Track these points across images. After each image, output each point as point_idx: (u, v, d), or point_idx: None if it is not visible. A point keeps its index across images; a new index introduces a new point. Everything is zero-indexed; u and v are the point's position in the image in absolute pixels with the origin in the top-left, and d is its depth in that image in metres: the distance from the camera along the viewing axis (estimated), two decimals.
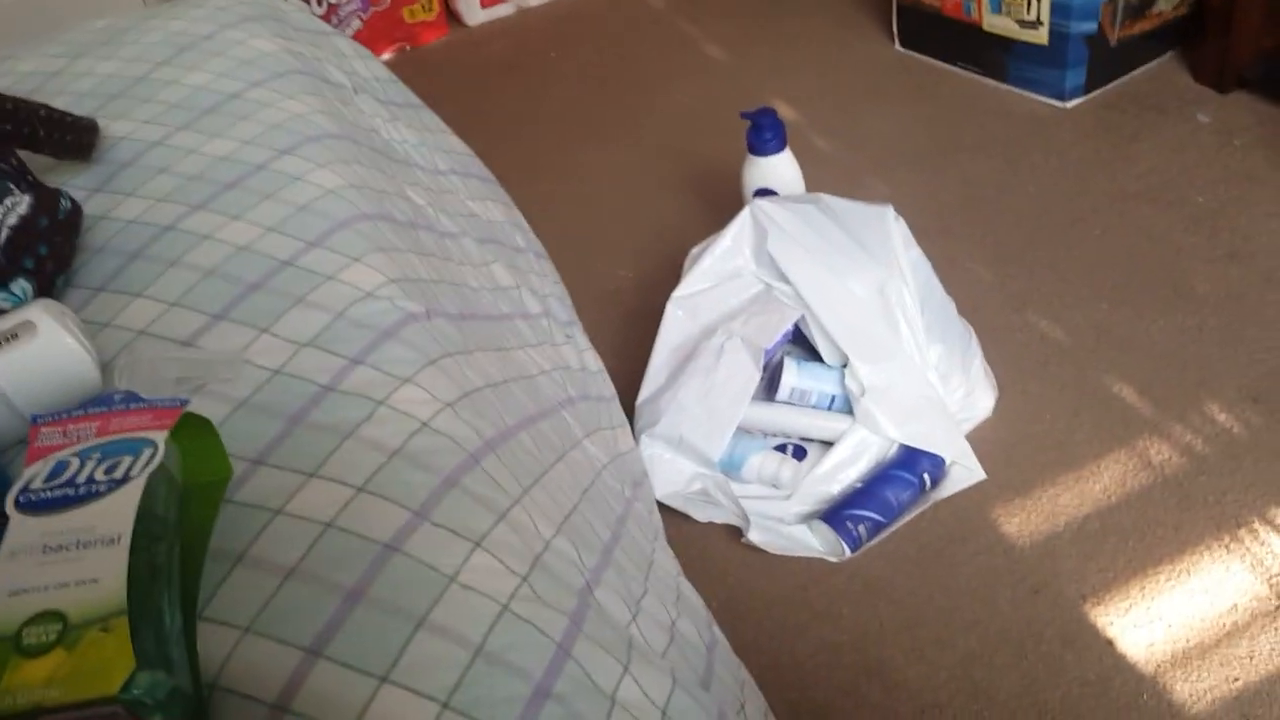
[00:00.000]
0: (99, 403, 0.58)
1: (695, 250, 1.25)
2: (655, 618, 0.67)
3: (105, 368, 0.64)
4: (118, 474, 0.52)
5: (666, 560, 0.80)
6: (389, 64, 1.23)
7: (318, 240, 0.72)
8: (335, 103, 0.92)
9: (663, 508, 1.13)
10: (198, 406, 0.59)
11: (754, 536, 1.10)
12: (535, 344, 0.90)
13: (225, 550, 0.54)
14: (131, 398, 0.58)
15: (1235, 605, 0.98)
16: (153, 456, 0.53)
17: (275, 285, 0.69)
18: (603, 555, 0.66)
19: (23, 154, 0.76)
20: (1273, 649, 0.94)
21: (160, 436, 0.54)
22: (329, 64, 0.99)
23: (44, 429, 0.55)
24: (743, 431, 1.19)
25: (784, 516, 1.14)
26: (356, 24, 2.17)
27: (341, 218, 0.74)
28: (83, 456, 0.54)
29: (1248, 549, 1.02)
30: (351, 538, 0.54)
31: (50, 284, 0.70)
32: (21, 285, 0.66)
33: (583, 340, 1.10)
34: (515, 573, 0.55)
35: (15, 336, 0.59)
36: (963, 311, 1.24)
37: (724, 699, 0.66)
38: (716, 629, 0.80)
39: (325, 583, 0.52)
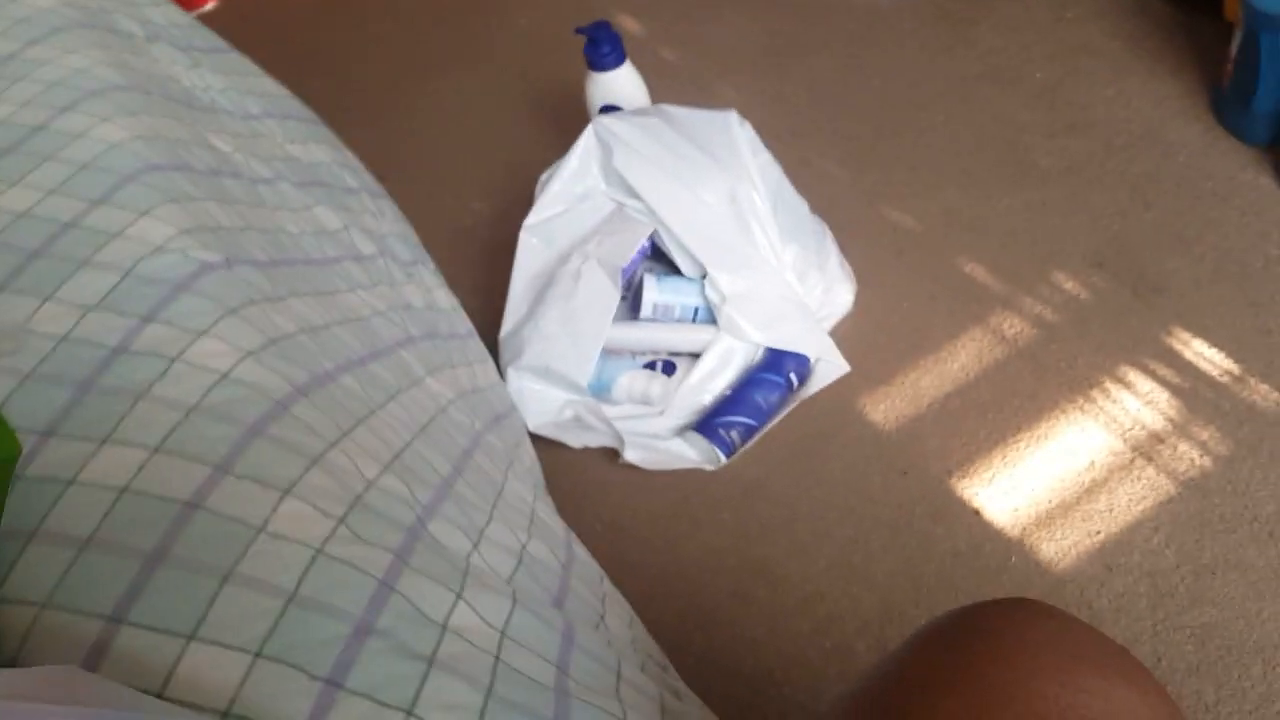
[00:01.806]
0: None
1: (544, 175, 1.22)
2: (502, 543, 0.66)
3: None
4: None
5: (520, 488, 0.79)
6: (210, 15, 1.16)
7: (103, 197, 0.68)
8: (123, 53, 0.86)
9: (537, 438, 1.13)
10: None
11: (631, 455, 1.10)
12: (369, 285, 0.87)
13: (17, 529, 0.51)
14: None
15: (1093, 462, 1.01)
16: None
17: (58, 249, 0.65)
18: (440, 489, 0.65)
19: None
20: (1130, 500, 0.98)
21: None
22: (118, 14, 0.93)
23: None
24: (610, 353, 1.19)
25: (658, 432, 1.14)
26: None
27: (127, 171, 0.70)
28: None
29: (1101, 408, 1.05)
30: (149, 500, 0.51)
31: None
32: None
33: (431, 278, 1.07)
34: (331, 515, 0.54)
35: None
36: (816, 209, 1.25)
37: (578, 613, 0.66)
38: (577, 547, 0.80)
39: (123, 548, 0.50)
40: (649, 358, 1.21)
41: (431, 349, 0.89)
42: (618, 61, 1.29)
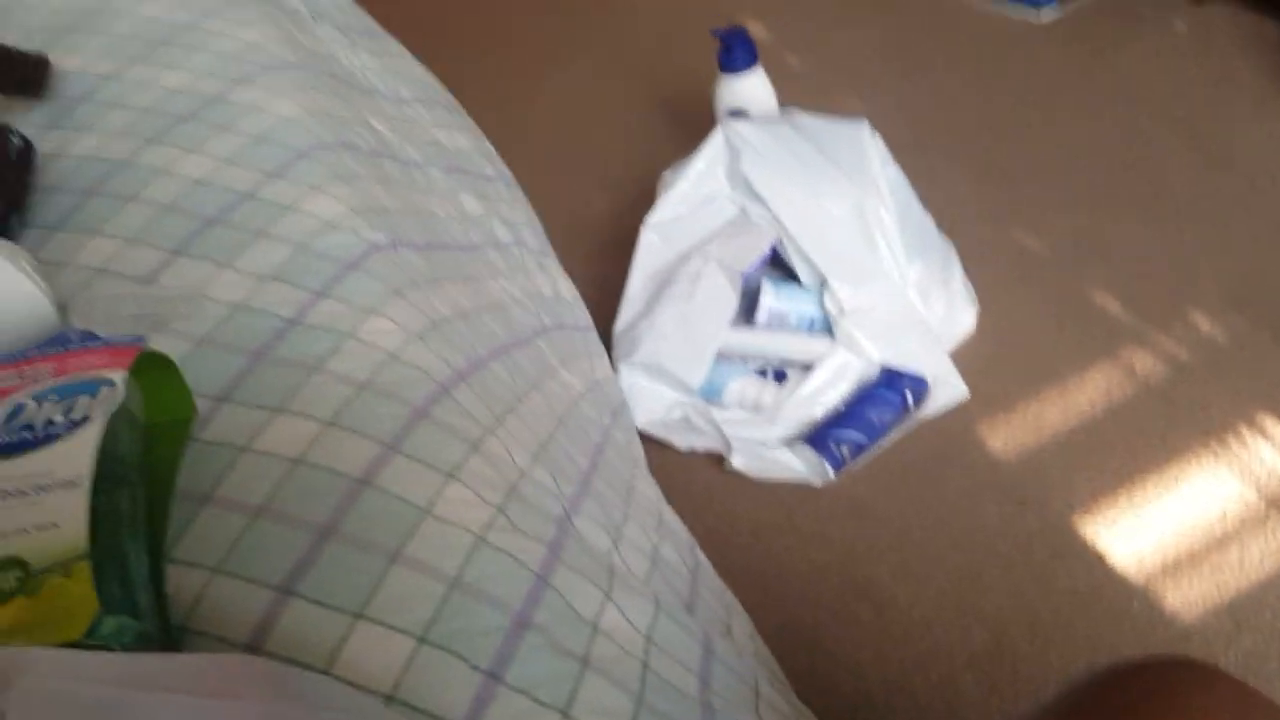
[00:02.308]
0: (55, 342, 0.56)
1: (668, 174, 1.22)
2: (637, 544, 0.66)
3: (62, 308, 0.62)
4: (76, 414, 0.50)
5: (647, 487, 0.79)
6: None
7: (277, 171, 0.70)
8: (292, 30, 0.88)
9: (644, 437, 1.13)
10: (157, 345, 0.57)
11: (737, 462, 1.09)
12: (507, 273, 0.88)
13: (192, 491, 0.53)
14: (88, 336, 0.56)
15: (1224, 513, 0.98)
16: (112, 396, 0.51)
17: (234, 219, 0.66)
18: (581, 484, 0.65)
19: None
20: (1263, 555, 0.94)
21: (119, 375, 0.52)
22: None
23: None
24: (722, 357, 1.18)
25: (767, 441, 1.13)
26: None
27: (301, 147, 0.72)
28: (40, 399, 0.52)
29: (1235, 456, 1.02)
30: (321, 473, 0.52)
31: (3, 224, 0.67)
32: None
33: (556, 268, 1.08)
34: (490, 503, 0.54)
35: None
36: (941, 227, 1.22)
37: (709, 622, 0.65)
38: (700, 553, 0.79)
39: (295, 520, 0.51)
40: (761, 364, 1.20)
41: (562, 339, 0.89)
42: (750, 66, 1.28)
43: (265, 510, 0.51)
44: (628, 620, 0.54)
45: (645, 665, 0.52)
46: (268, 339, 0.59)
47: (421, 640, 0.47)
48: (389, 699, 0.45)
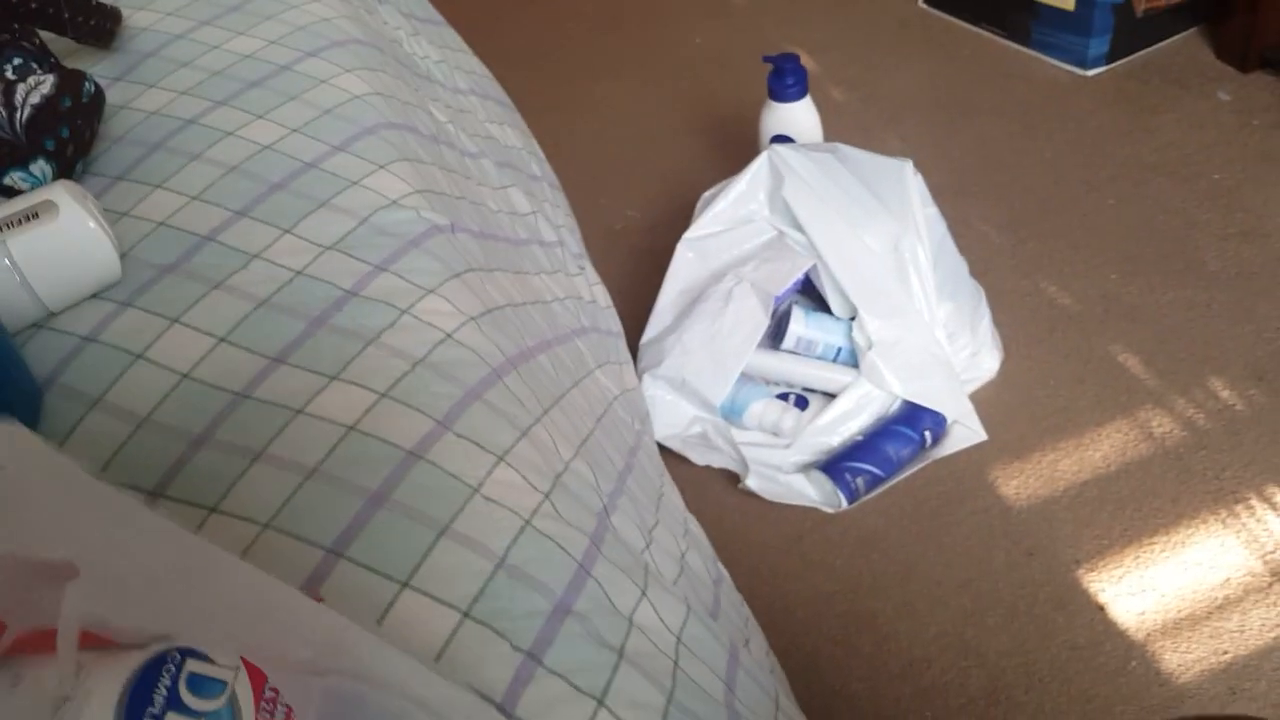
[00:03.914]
0: None
1: (709, 193, 1.23)
2: (666, 548, 0.66)
3: (124, 257, 0.62)
4: None
5: (674, 494, 0.79)
6: None
7: (343, 145, 0.70)
8: (360, 9, 0.89)
9: (661, 449, 1.13)
10: (217, 301, 0.57)
11: (752, 483, 1.09)
12: (550, 271, 0.88)
13: (244, 446, 0.53)
14: None
15: (1228, 580, 0.98)
16: None
17: (299, 187, 0.67)
18: (618, 482, 0.66)
19: (44, 35, 0.73)
20: (1263, 624, 0.95)
21: None
22: None
23: None
24: (746, 378, 1.19)
25: (782, 465, 1.14)
26: None
27: (368, 124, 0.72)
28: None
29: (1244, 525, 1.02)
30: (374, 442, 0.53)
31: (70, 167, 0.68)
32: (41, 166, 0.64)
33: (593, 274, 1.08)
34: (538, 489, 0.54)
35: (35, 216, 0.57)
36: (973, 272, 1.24)
37: (731, 631, 0.66)
38: (722, 566, 0.80)
39: (347, 485, 0.51)
40: (783, 389, 1.20)
41: (598, 342, 0.90)
42: (800, 94, 1.29)
43: (318, 472, 0.51)
44: (661, 619, 0.54)
45: (676, 664, 0.52)
46: (326, 307, 0.59)
47: (466, 615, 0.47)
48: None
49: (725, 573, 0.79)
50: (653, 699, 0.49)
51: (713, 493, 1.13)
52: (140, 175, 0.70)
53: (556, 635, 0.48)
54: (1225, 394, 1.13)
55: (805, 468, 1.13)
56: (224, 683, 0.32)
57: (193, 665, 0.32)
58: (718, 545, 1.07)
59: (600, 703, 0.47)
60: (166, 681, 0.32)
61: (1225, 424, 1.10)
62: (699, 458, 1.14)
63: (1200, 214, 1.34)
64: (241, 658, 0.33)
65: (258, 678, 0.33)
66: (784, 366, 1.20)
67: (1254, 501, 1.04)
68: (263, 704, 0.33)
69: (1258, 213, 1.32)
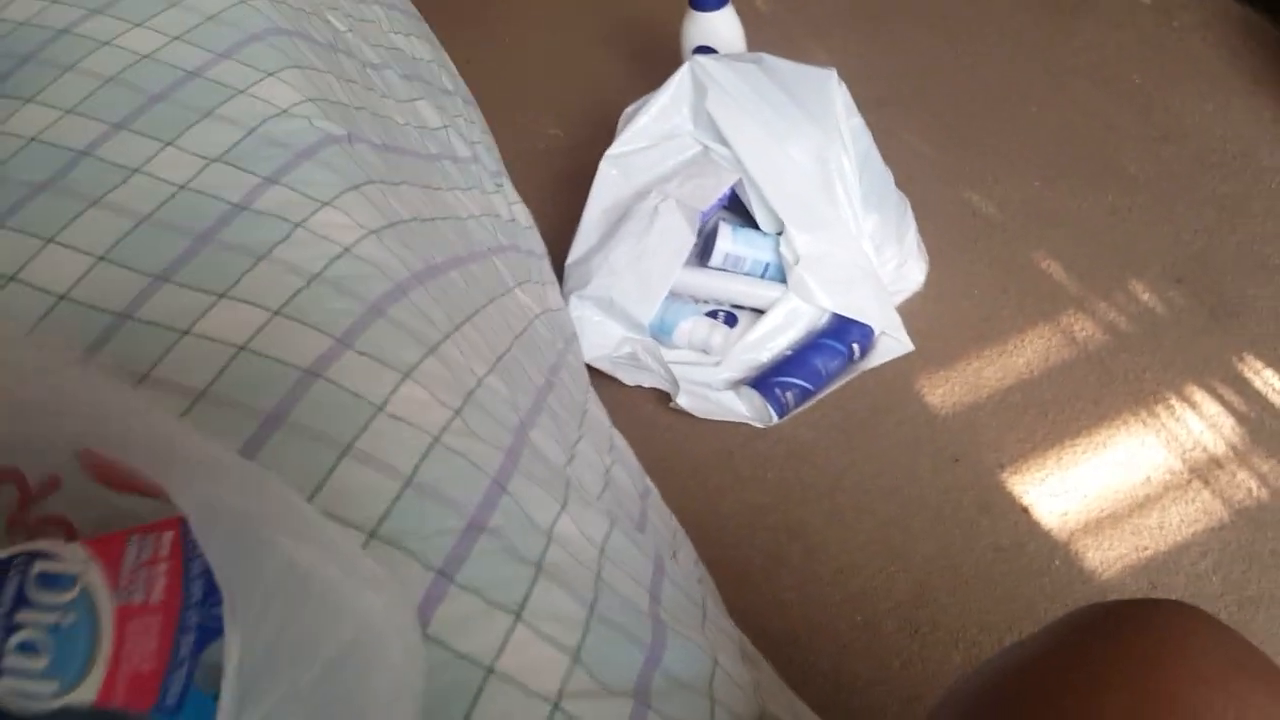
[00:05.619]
0: None
1: (630, 108, 1.20)
2: (590, 462, 0.65)
3: None
4: None
5: (599, 411, 0.78)
6: None
7: (228, 52, 0.66)
8: None
9: (591, 371, 1.11)
10: (94, 219, 0.53)
11: (682, 401, 1.08)
12: (465, 188, 0.85)
13: (128, 370, 0.50)
14: None
15: (1148, 478, 1.00)
16: None
17: (181, 97, 0.62)
18: (536, 398, 0.64)
19: None
20: (1181, 520, 0.97)
21: None
22: None
23: None
24: (674, 296, 1.17)
25: (712, 382, 1.13)
26: None
27: (254, 30, 0.68)
28: None
29: (1163, 424, 1.04)
30: (268, 362, 0.50)
31: None
32: None
33: (512, 192, 1.05)
34: (447, 405, 0.52)
35: None
36: (898, 183, 1.23)
37: (658, 543, 0.65)
38: (649, 480, 0.79)
39: (240, 407, 0.48)
40: (712, 307, 1.19)
41: (518, 261, 0.87)
42: (721, 3, 1.25)
43: (207, 395, 0.48)
44: (581, 532, 0.53)
45: (598, 576, 0.51)
46: (213, 222, 0.56)
47: (372, 535, 0.45)
48: None
49: (653, 487, 0.79)
50: (573, 611, 0.48)
51: (644, 412, 1.12)
52: (9, 89, 0.64)
53: (470, 552, 0.47)
54: (1145, 297, 1.15)
55: (735, 384, 1.12)
56: (73, 575, 0.31)
57: (41, 565, 0.31)
58: (649, 463, 1.06)
59: (518, 616, 0.46)
60: (14, 584, 0.30)
61: (1145, 327, 1.12)
62: (629, 378, 1.12)
63: (1121, 117, 1.34)
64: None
65: (113, 559, 0.32)
66: (712, 284, 1.18)
67: (1174, 401, 1.06)
68: (122, 584, 0.32)
69: (1176, 114, 1.33)
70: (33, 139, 0.61)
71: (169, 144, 0.60)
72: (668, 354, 1.13)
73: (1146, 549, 0.96)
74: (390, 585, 0.36)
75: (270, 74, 0.65)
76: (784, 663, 0.93)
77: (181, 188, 0.57)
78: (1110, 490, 1.00)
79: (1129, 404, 1.06)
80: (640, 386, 1.12)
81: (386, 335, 0.53)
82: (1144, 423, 1.05)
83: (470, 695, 0.43)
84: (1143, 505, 0.99)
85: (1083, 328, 1.13)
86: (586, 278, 1.13)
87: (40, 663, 0.30)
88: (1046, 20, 1.49)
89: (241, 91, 0.63)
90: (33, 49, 0.67)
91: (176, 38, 0.66)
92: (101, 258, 0.53)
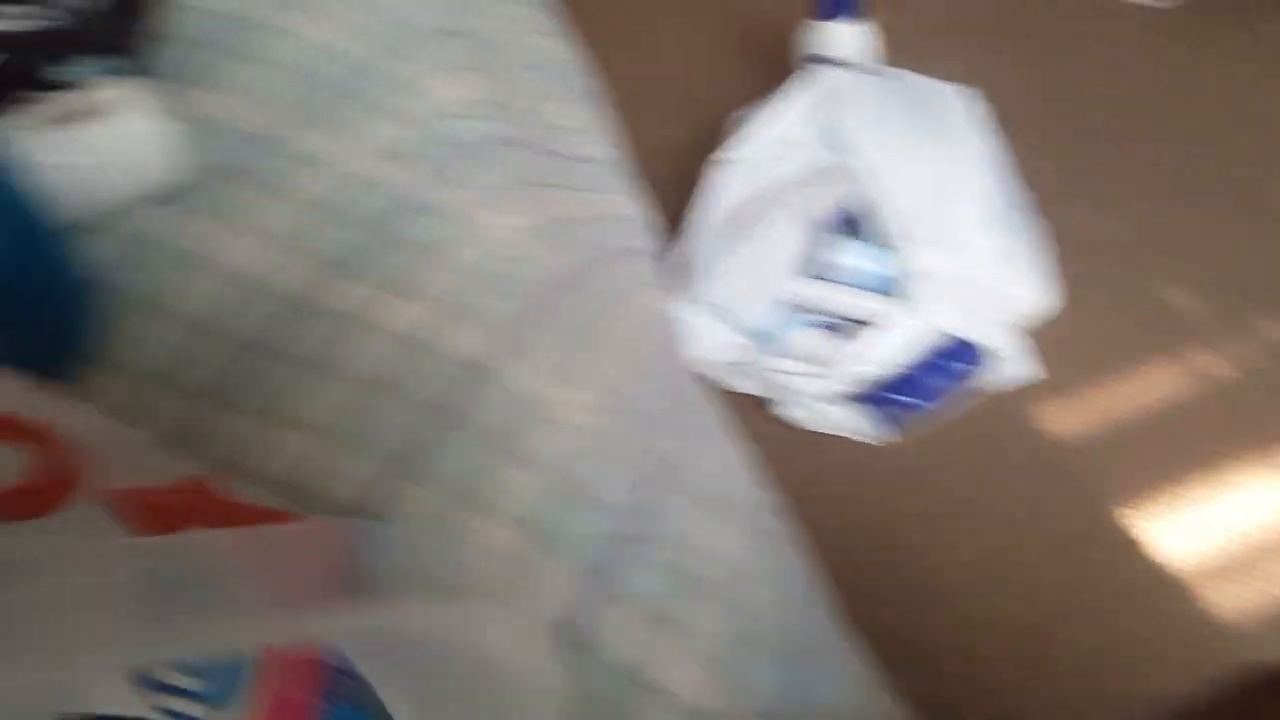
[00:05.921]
0: None
1: (744, 112, 1.19)
2: (712, 470, 0.65)
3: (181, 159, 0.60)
4: None
5: (718, 417, 0.78)
6: None
7: (406, 50, 0.67)
8: None
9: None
10: (270, 206, 0.55)
11: (788, 412, 1.08)
12: (599, 191, 0.86)
13: (304, 355, 0.51)
14: None
15: (1275, 521, 0.97)
16: None
17: (358, 91, 0.64)
18: (673, 399, 0.64)
19: None
20: None
21: None
22: None
23: None
24: (785, 305, 1.16)
25: (819, 394, 1.12)
26: None
27: (430, 28, 0.69)
28: None
29: None
30: (431, 355, 0.51)
31: (135, 63, 0.64)
32: (106, 61, 0.60)
33: (633, 194, 1.05)
34: (600, 409, 0.53)
35: (98, 112, 0.54)
36: (1027, 206, 1.20)
37: (780, 555, 0.65)
38: (764, 491, 0.79)
39: (405, 398, 0.49)
40: (824, 318, 1.18)
41: (641, 263, 0.87)
42: (851, 13, 1.24)
43: (372, 382, 0.50)
44: (723, 545, 0.53)
45: (731, 588, 0.51)
46: (383, 214, 0.57)
47: (524, 532, 0.46)
48: None
49: (771, 497, 0.78)
50: (719, 627, 0.48)
51: (749, 420, 1.12)
52: (196, 76, 0.66)
53: (620, 559, 0.47)
54: (1276, 334, 1.11)
55: (845, 398, 1.11)
56: None
57: None
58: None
59: (664, 627, 0.46)
60: None
61: (1275, 365, 1.08)
62: (731, 383, 1.12)
63: (1263, 151, 1.29)
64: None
65: None
66: (825, 295, 1.17)
67: None
68: None
69: None
70: (217, 125, 0.62)
71: (343, 135, 0.61)
72: (775, 363, 1.13)
73: (1272, 593, 0.93)
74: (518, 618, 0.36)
75: (444, 72, 0.66)
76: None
77: (352, 178, 0.59)
78: (1233, 531, 0.97)
79: (1256, 444, 1.03)
80: (745, 393, 1.12)
81: (542, 334, 0.54)
82: (1272, 465, 1.01)
83: (617, 706, 0.43)
84: (1267, 548, 0.96)
85: (1210, 362, 1.09)
86: (695, 281, 1.13)
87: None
88: (1194, 52, 1.45)
89: (417, 89, 0.64)
90: (222, 37, 0.68)
91: (360, 34, 0.67)
92: (277, 243, 0.55)
